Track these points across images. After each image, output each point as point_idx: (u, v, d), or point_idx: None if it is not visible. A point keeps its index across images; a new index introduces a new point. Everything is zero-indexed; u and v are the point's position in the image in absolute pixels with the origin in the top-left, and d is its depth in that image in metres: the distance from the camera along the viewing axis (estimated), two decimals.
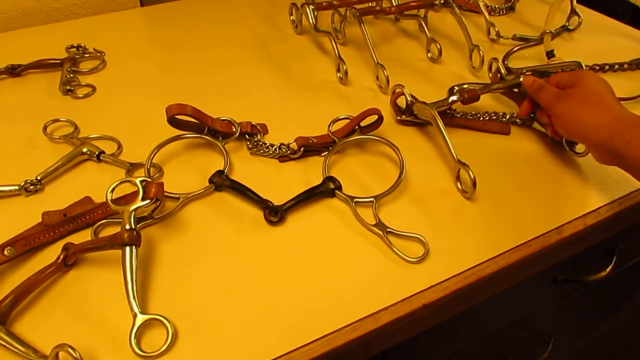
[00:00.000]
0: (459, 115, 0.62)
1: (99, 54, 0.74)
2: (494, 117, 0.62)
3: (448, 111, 0.61)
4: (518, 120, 0.62)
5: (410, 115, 0.61)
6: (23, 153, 0.58)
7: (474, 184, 0.51)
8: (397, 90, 0.62)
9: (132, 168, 0.55)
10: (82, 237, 0.47)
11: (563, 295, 0.77)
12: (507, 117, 0.62)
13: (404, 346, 0.49)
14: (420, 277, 0.45)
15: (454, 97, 0.60)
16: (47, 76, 0.71)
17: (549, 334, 0.83)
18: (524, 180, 0.56)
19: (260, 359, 0.39)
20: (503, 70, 0.64)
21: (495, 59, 0.66)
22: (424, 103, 0.59)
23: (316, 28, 0.75)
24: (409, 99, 0.60)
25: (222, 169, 0.54)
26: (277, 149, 0.57)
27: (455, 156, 0.54)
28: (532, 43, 0.78)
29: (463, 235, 0.49)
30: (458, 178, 0.54)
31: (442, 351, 0.66)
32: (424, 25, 0.77)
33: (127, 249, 0.42)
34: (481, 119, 0.62)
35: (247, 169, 0.56)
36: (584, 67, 0.65)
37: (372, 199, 0.51)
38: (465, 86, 0.62)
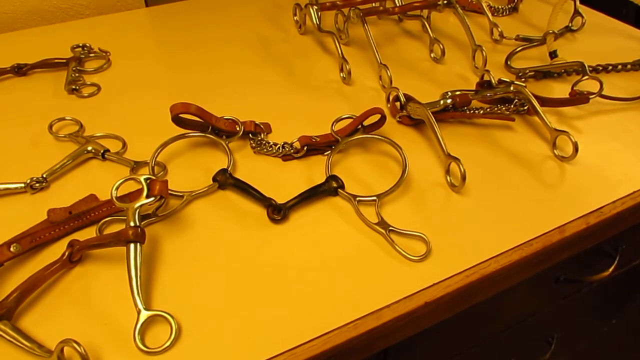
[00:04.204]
0: (460, 110, 0.62)
1: (104, 54, 0.75)
2: (497, 110, 0.62)
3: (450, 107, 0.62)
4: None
5: (407, 112, 0.61)
6: (29, 151, 0.58)
7: (464, 178, 0.52)
8: (391, 92, 0.63)
9: (136, 166, 0.55)
10: (87, 234, 0.48)
11: (565, 296, 0.77)
12: (512, 107, 0.63)
13: (406, 344, 0.49)
14: (422, 275, 0.45)
15: (447, 100, 0.61)
16: (53, 75, 0.71)
17: (552, 334, 0.83)
18: (526, 178, 0.56)
19: (262, 356, 0.39)
20: (494, 81, 0.64)
21: (488, 71, 0.66)
22: (417, 102, 0.59)
23: (320, 28, 0.76)
24: (402, 99, 0.61)
25: (225, 167, 0.54)
26: (281, 148, 0.57)
27: (445, 150, 0.54)
28: (535, 43, 0.78)
29: (465, 234, 0.50)
30: (448, 172, 0.54)
31: (444, 350, 0.66)
32: (427, 25, 0.78)
33: (132, 245, 0.43)
34: (481, 112, 0.62)
35: (251, 167, 0.56)
36: (586, 67, 0.66)
37: (374, 198, 0.51)
38: (458, 92, 0.62)
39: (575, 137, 0.57)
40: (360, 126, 0.59)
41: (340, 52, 0.70)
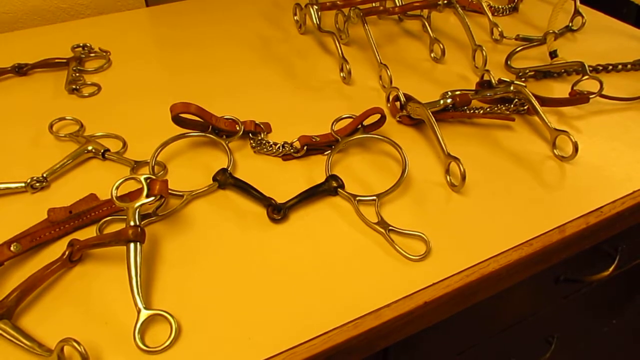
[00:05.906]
0: (460, 110, 0.62)
1: (104, 54, 0.75)
2: (497, 110, 0.63)
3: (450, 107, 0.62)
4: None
5: (407, 112, 0.61)
6: (29, 151, 0.58)
7: (464, 178, 0.52)
8: (391, 92, 0.63)
9: (136, 166, 0.55)
10: (87, 233, 0.48)
11: (565, 295, 0.77)
12: (512, 107, 0.63)
13: (405, 344, 0.49)
14: (421, 275, 0.45)
15: (447, 100, 0.61)
16: (53, 75, 0.71)
17: (552, 334, 0.83)
18: (526, 178, 0.56)
19: (261, 355, 0.39)
20: (494, 81, 0.64)
21: (488, 71, 0.65)
22: (417, 102, 0.59)
23: (320, 28, 0.76)
24: (402, 99, 0.61)
25: (225, 167, 0.54)
26: (281, 148, 0.58)
27: (445, 150, 0.54)
28: (535, 43, 0.78)
29: (465, 234, 0.50)
30: (447, 171, 0.54)
31: (444, 350, 0.66)
32: (427, 25, 0.78)
33: (132, 245, 0.43)
34: (481, 112, 0.62)
35: (251, 167, 0.57)
36: (587, 67, 0.66)
37: (374, 197, 0.51)
38: (458, 92, 0.62)
39: (575, 137, 0.57)
40: (360, 126, 0.59)
41: (340, 52, 0.70)
